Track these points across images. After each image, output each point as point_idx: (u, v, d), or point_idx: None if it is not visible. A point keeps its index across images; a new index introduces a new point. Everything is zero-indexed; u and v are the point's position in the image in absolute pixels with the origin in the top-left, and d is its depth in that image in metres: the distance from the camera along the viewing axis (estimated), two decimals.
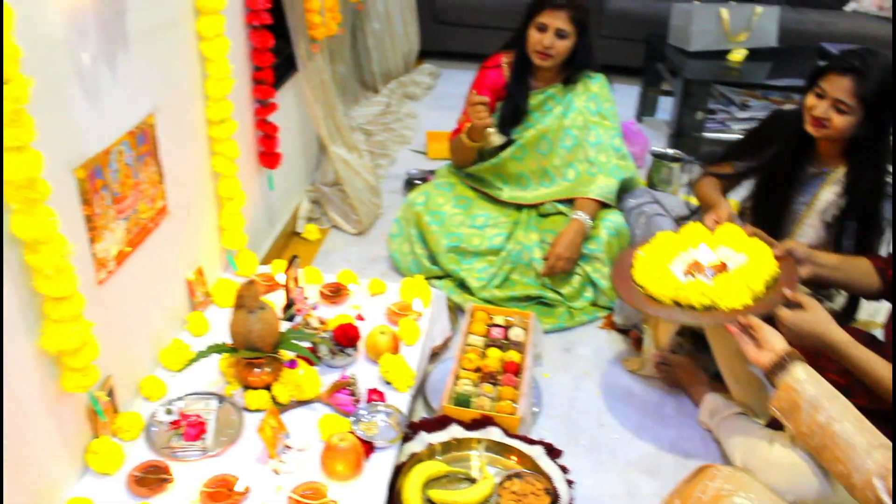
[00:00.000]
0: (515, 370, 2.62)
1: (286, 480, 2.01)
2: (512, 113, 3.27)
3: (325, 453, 2.04)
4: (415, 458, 2.26)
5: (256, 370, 2.24)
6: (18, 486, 1.78)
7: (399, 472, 2.20)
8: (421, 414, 2.61)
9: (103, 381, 2.06)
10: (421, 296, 2.71)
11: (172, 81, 2.34)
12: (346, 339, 2.44)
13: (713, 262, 2.35)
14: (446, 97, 5.34)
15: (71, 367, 1.84)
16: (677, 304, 2.28)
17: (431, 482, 2.22)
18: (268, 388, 2.26)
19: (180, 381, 2.33)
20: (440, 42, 5.86)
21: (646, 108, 5.32)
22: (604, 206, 3.21)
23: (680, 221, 3.01)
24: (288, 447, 2.10)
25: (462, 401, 2.44)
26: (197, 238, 2.62)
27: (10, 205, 1.63)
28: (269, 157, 3.06)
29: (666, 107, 5.15)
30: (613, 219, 3.21)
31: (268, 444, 2.04)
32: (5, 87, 1.50)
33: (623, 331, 3.09)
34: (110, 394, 2.10)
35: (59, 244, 1.70)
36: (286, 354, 2.29)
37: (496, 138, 3.14)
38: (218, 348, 2.19)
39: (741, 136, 3.04)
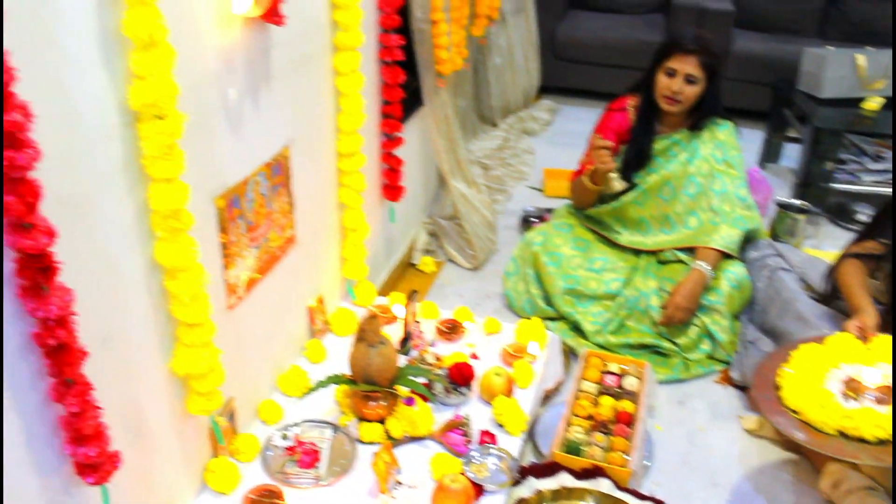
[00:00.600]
0: (628, 421, 2.56)
1: None
2: (636, 157, 3.23)
3: (436, 493, 2.04)
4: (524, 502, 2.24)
5: (372, 403, 2.27)
6: (143, 497, 1.85)
7: None
8: (529, 457, 2.58)
9: (226, 403, 2.12)
10: (537, 338, 2.70)
11: (308, 115, 2.42)
12: (461, 377, 2.44)
13: (879, 384, 2.17)
14: (564, 134, 5.32)
15: (197, 391, 1.90)
16: (842, 433, 2.10)
17: None
18: (382, 421, 2.28)
19: (297, 406, 2.38)
20: (560, 78, 5.85)
21: (770, 155, 5.15)
22: (726, 256, 3.12)
23: (812, 295, 2.89)
24: (399, 483, 2.11)
25: (573, 448, 2.40)
26: (320, 267, 2.68)
27: (156, 232, 1.70)
28: (392, 189, 3.11)
29: (791, 154, 4.97)
30: (735, 270, 3.12)
31: (380, 478, 2.05)
32: (162, 123, 1.58)
33: (741, 387, 2.98)
34: (231, 416, 2.16)
35: (197, 272, 1.77)
36: (403, 391, 2.31)
37: (618, 184, 3.11)
38: (337, 379, 2.23)
39: (886, 205, 2.80)
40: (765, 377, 2.36)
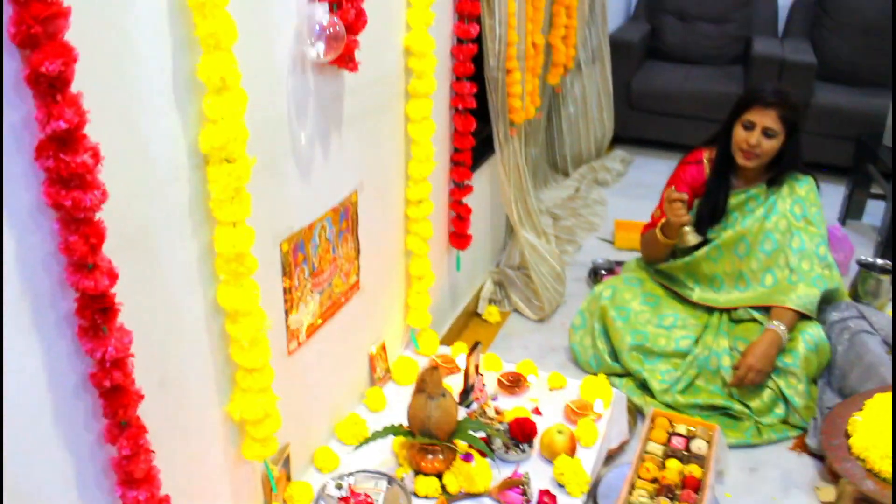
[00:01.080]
0: (696, 486, 2.44)
1: None
2: (710, 212, 3.14)
3: None
4: None
5: (430, 456, 2.21)
6: None
7: None
8: None
9: (281, 448, 2.10)
10: (602, 396, 2.61)
11: (377, 161, 2.41)
12: (521, 433, 2.37)
13: None
14: (637, 185, 5.24)
15: (252, 437, 1.88)
16: None
17: None
18: (439, 475, 2.22)
19: (353, 456, 2.34)
20: (634, 129, 5.78)
21: (852, 211, 4.98)
22: (803, 317, 2.98)
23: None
24: None
25: None
26: (383, 314, 2.66)
27: (219, 275, 1.69)
28: (459, 238, 3.08)
29: (875, 211, 4.79)
30: (813, 332, 2.98)
31: None
32: (230, 166, 1.58)
33: (817, 456, 2.83)
34: (286, 462, 2.13)
35: (259, 317, 1.75)
36: (461, 445, 2.25)
37: (692, 237, 3.02)
38: (394, 430, 2.19)
39: None
40: (835, 424, 2.25)
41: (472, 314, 3.60)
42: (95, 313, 1.32)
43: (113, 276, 1.32)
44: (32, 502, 1.37)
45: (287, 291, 2.02)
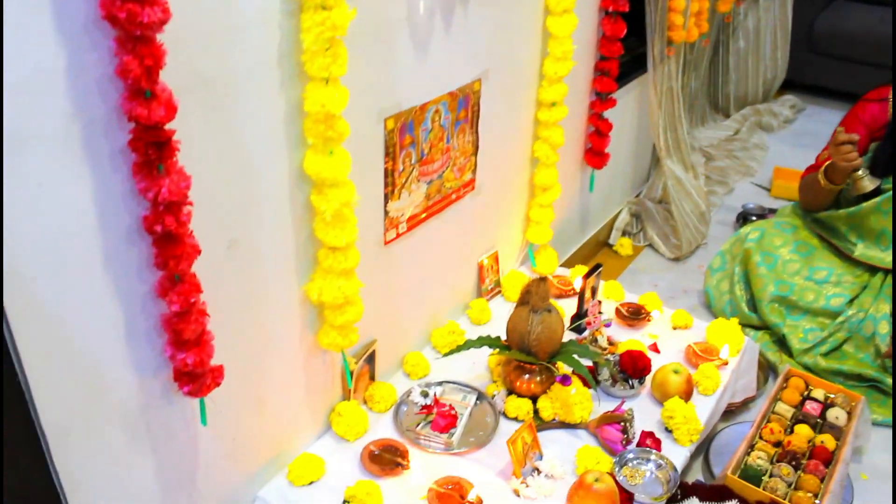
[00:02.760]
0: (826, 458, 2.13)
1: None
2: (887, 157, 2.72)
3: (574, 490, 1.76)
4: None
5: (526, 376, 2.02)
6: (258, 428, 1.71)
7: None
8: (697, 477, 2.23)
9: (365, 344, 1.96)
10: (731, 342, 2.32)
11: (507, 51, 2.18)
12: (633, 368, 2.13)
13: None
14: (805, 135, 4.74)
15: (331, 323, 1.74)
16: None
17: None
18: (533, 398, 2.03)
19: (445, 365, 2.18)
20: (810, 74, 5.20)
21: None
22: None
23: None
24: (537, 470, 1.85)
25: (751, 475, 2.03)
26: (500, 223, 2.46)
27: (308, 139, 1.54)
28: (596, 155, 2.82)
29: None
30: None
31: (515, 459, 1.80)
32: (326, 14, 1.40)
33: None
34: (370, 360, 1.99)
35: (347, 190, 1.59)
36: (562, 368, 2.05)
37: (867, 183, 2.62)
38: (490, 342, 2.00)
39: None
40: None
41: (601, 244, 3.35)
42: (149, 147, 1.19)
43: (171, 109, 1.18)
44: (79, 354, 1.27)
45: (388, 174, 1.85)
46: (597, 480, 1.74)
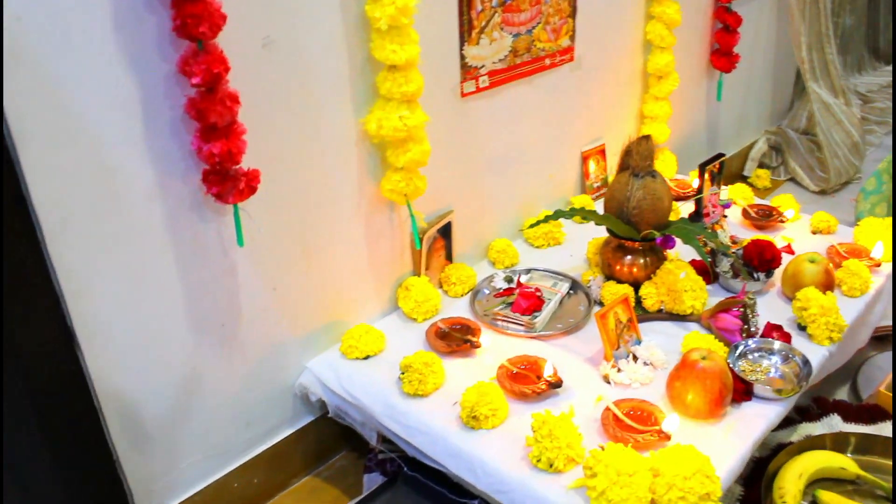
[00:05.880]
0: None
1: (613, 392, 1.46)
2: None
3: (676, 371, 1.44)
4: (814, 444, 1.57)
5: (627, 258, 1.72)
6: (307, 281, 1.51)
7: (780, 450, 1.54)
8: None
9: (441, 214, 1.72)
10: (885, 241, 1.91)
11: None
12: (759, 258, 1.79)
13: None
14: None
15: (392, 165, 1.51)
16: None
17: (823, 481, 1.50)
18: (636, 285, 1.72)
19: (537, 256, 1.92)
20: None
21: None
22: None
23: None
24: (634, 357, 1.55)
25: None
26: (607, 111, 2.17)
27: None
28: (723, 56, 2.48)
29: None
30: None
31: (605, 338, 1.51)
32: None
33: None
34: (447, 233, 1.75)
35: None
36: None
37: None
38: (581, 212, 1.70)
39: None
40: None
41: (735, 175, 2.97)
42: None
43: None
44: (84, 135, 1.10)
45: (463, 12, 1.61)
46: (703, 358, 1.42)
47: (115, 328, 1.23)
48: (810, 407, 1.76)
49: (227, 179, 1.23)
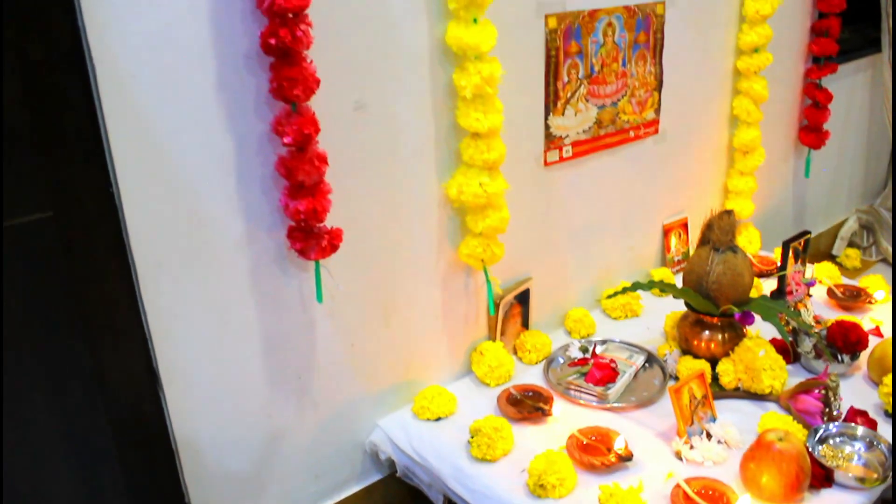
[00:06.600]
0: None
1: (685, 469, 1.43)
2: None
3: (751, 451, 1.40)
4: None
5: (705, 333, 1.70)
6: (384, 338, 1.54)
7: None
8: None
9: (519, 281, 1.74)
10: None
11: None
12: (843, 339, 1.74)
13: None
14: None
15: (471, 230, 1.54)
16: None
17: None
18: (713, 361, 1.70)
19: (614, 328, 1.91)
20: None
21: None
22: None
23: None
24: (707, 434, 1.51)
25: None
26: (691, 184, 2.16)
27: (449, 5, 1.38)
28: (812, 132, 2.45)
29: None
30: None
31: (679, 414, 1.48)
32: None
33: None
34: (524, 299, 1.76)
35: (491, 66, 1.41)
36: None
37: None
38: (662, 285, 1.69)
39: None
40: None
41: (823, 254, 2.90)
42: None
43: None
44: (182, 189, 1.17)
45: (550, 83, 1.65)
46: (780, 440, 1.38)
47: (197, 372, 1.28)
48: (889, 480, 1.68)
49: (310, 236, 1.28)
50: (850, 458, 1.48)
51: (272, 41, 1.15)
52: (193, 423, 1.30)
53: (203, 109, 1.16)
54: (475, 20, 1.39)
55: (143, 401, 1.22)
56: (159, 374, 1.23)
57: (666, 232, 2.12)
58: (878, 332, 1.89)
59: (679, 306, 1.76)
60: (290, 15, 1.15)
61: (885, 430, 1.55)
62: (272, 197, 1.28)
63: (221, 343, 1.30)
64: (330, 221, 1.29)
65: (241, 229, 1.26)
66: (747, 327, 1.73)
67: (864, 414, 1.57)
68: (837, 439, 1.51)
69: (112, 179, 1.10)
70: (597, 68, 1.73)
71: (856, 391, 1.68)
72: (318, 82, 1.21)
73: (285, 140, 1.20)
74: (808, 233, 1.99)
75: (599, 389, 1.64)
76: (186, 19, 1.11)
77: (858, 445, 1.50)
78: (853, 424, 1.53)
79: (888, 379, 1.61)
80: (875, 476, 1.42)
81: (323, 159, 1.24)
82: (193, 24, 1.12)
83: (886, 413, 1.61)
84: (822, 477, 1.42)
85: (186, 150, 1.17)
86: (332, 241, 1.30)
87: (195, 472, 1.32)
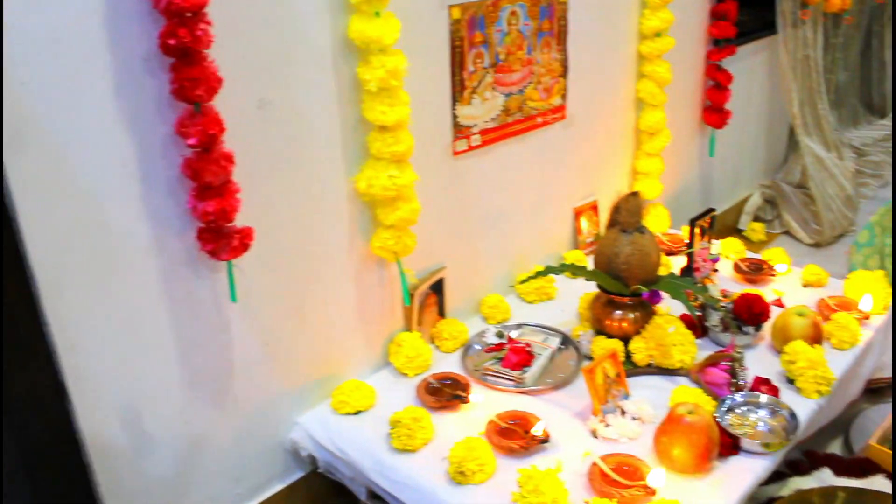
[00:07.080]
0: None
1: (601, 447, 1.47)
2: None
3: (663, 425, 1.46)
4: (803, 499, 1.57)
5: (616, 313, 1.74)
6: (299, 336, 1.53)
7: None
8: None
9: (433, 270, 1.75)
10: (874, 294, 1.93)
11: None
12: (748, 311, 1.81)
13: None
14: None
15: (382, 223, 1.54)
16: None
17: None
18: (625, 340, 1.74)
19: (529, 312, 1.94)
20: None
21: None
22: None
23: None
24: (622, 411, 1.56)
25: None
26: (599, 168, 2.21)
27: (352, 4, 1.38)
28: (715, 112, 2.53)
29: None
30: None
31: (593, 392, 1.53)
32: None
33: None
34: (439, 289, 1.78)
35: (395, 58, 1.42)
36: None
37: None
38: (570, 269, 1.73)
39: None
40: None
41: (729, 229, 3.00)
42: None
43: None
44: (83, 194, 1.14)
45: (456, 73, 1.66)
46: (690, 413, 1.43)
47: (108, 383, 1.26)
48: (801, 461, 1.76)
49: (220, 237, 1.26)
50: (755, 425, 1.55)
51: (171, 41, 1.13)
52: (108, 435, 1.27)
53: (102, 115, 1.14)
54: (377, 13, 1.39)
55: (52, 417, 1.19)
56: (67, 388, 1.20)
57: (577, 215, 2.16)
58: (779, 302, 1.97)
59: (592, 288, 1.80)
60: (189, 14, 1.13)
61: (786, 396, 1.63)
62: (180, 199, 1.26)
63: (133, 351, 1.27)
64: (240, 221, 1.28)
65: (148, 234, 1.24)
66: (658, 305, 1.78)
67: (767, 382, 1.65)
68: (744, 408, 1.58)
69: (5, 190, 1.07)
70: (502, 57, 1.75)
71: (760, 361, 1.76)
72: (220, 81, 1.19)
73: (190, 141, 1.19)
74: (713, 210, 2.06)
75: (516, 374, 1.67)
76: (79, 23, 1.08)
77: (763, 413, 1.57)
78: (757, 393, 1.60)
79: (789, 347, 1.69)
80: (777, 441, 1.49)
81: (229, 159, 1.23)
82: (87, 27, 1.09)
83: (788, 379, 1.68)
84: (730, 445, 1.48)
85: (86, 157, 1.14)
86: (242, 241, 1.29)
87: (112, 484, 1.30)
